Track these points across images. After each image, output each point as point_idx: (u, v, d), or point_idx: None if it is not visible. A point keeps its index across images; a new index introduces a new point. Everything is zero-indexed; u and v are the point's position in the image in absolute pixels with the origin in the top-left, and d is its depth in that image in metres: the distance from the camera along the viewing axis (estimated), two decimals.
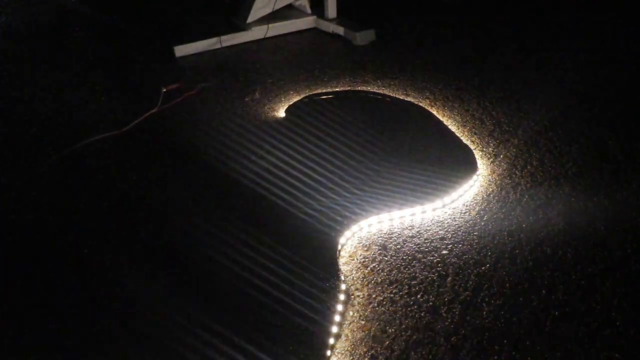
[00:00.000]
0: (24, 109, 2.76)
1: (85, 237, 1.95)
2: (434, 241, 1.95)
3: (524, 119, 2.62)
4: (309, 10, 3.62)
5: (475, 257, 1.88)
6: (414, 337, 1.61)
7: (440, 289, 1.76)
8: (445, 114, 2.68)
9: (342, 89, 2.89)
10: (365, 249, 1.93)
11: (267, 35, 3.46)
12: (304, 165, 2.29)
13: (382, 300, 1.72)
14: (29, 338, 1.60)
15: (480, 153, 2.40)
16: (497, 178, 2.25)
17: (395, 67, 3.10)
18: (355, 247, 1.93)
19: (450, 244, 1.94)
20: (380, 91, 2.87)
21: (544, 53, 3.27)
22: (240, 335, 1.59)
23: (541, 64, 3.15)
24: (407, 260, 1.87)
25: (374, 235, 1.98)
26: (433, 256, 1.89)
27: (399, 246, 1.93)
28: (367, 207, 2.06)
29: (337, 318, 1.65)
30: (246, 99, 2.80)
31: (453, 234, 1.98)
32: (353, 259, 1.88)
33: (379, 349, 1.57)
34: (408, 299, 1.73)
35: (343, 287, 1.76)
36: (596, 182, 2.22)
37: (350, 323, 1.65)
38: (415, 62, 3.17)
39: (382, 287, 1.77)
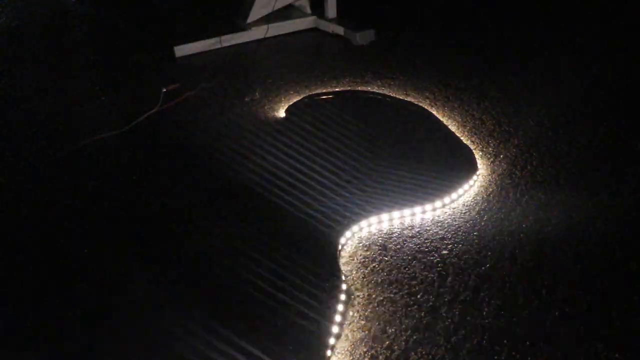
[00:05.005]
0: (24, 109, 2.76)
1: (85, 237, 1.95)
2: (434, 241, 1.95)
3: (524, 119, 2.62)
4: (309, 10, 3.62)
5: (475, 257, 1.88)
6: (414, 337, 1.61)
7: (440, 289, 1.76)
8: (445, 114, 2.68)
9: (342, 89, 2.89)
10: (365, 249, 1.93)
11: (267, 35, 3.45)
12: (303, 165, 2.29)
13: (382, 300, 1.72)
14: (29, 339, 1.60)
15: (480, 153, 2.40)
16: (497, 178, 2.25)
17: (395, 67, 3.10)
18: (355, 247, 1.93)
19: (450, 244, 1.94)
20: (380, 91, 2.87)
21: (544, 53, 3.27)
22: (240, 335, 1.59)
23: (541, 64, 3.15)
24: (407, 260, 1.87)
25: (374, 235, 1.98)
26: (433, 256, 1.89)
27: (399, 246, 1.93)
28: (367, 207, 2.06)
29: (337, 318, 1.65)
30: (246, 99, 2.80)
31: (453, 234, 1.98)
32: (353, 259, 1.88)
33: (379, 349, 1.57)
34: (408, 299, 1.73)
35: (343, 287, 1.76)
36: (596, 182, 2.22)
37: (350, 323, 1.65)
38: (415, 62, 3.17)
39: (382, 287, 1.77)
